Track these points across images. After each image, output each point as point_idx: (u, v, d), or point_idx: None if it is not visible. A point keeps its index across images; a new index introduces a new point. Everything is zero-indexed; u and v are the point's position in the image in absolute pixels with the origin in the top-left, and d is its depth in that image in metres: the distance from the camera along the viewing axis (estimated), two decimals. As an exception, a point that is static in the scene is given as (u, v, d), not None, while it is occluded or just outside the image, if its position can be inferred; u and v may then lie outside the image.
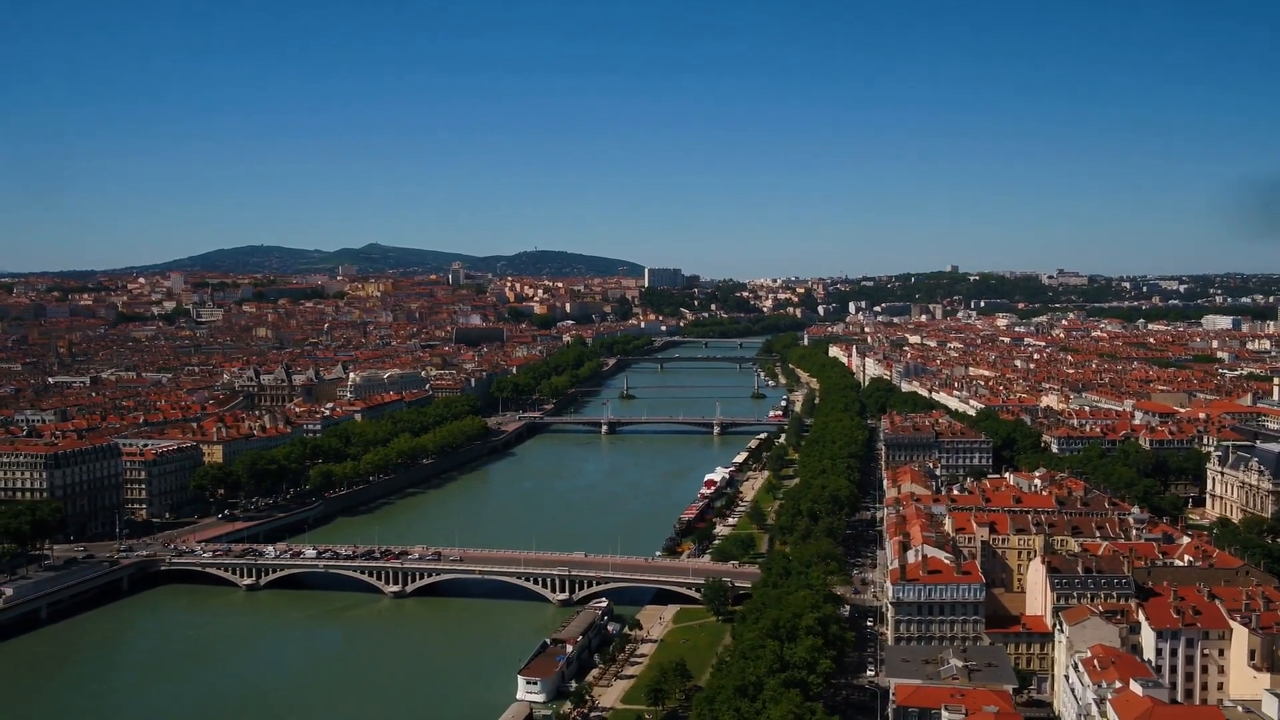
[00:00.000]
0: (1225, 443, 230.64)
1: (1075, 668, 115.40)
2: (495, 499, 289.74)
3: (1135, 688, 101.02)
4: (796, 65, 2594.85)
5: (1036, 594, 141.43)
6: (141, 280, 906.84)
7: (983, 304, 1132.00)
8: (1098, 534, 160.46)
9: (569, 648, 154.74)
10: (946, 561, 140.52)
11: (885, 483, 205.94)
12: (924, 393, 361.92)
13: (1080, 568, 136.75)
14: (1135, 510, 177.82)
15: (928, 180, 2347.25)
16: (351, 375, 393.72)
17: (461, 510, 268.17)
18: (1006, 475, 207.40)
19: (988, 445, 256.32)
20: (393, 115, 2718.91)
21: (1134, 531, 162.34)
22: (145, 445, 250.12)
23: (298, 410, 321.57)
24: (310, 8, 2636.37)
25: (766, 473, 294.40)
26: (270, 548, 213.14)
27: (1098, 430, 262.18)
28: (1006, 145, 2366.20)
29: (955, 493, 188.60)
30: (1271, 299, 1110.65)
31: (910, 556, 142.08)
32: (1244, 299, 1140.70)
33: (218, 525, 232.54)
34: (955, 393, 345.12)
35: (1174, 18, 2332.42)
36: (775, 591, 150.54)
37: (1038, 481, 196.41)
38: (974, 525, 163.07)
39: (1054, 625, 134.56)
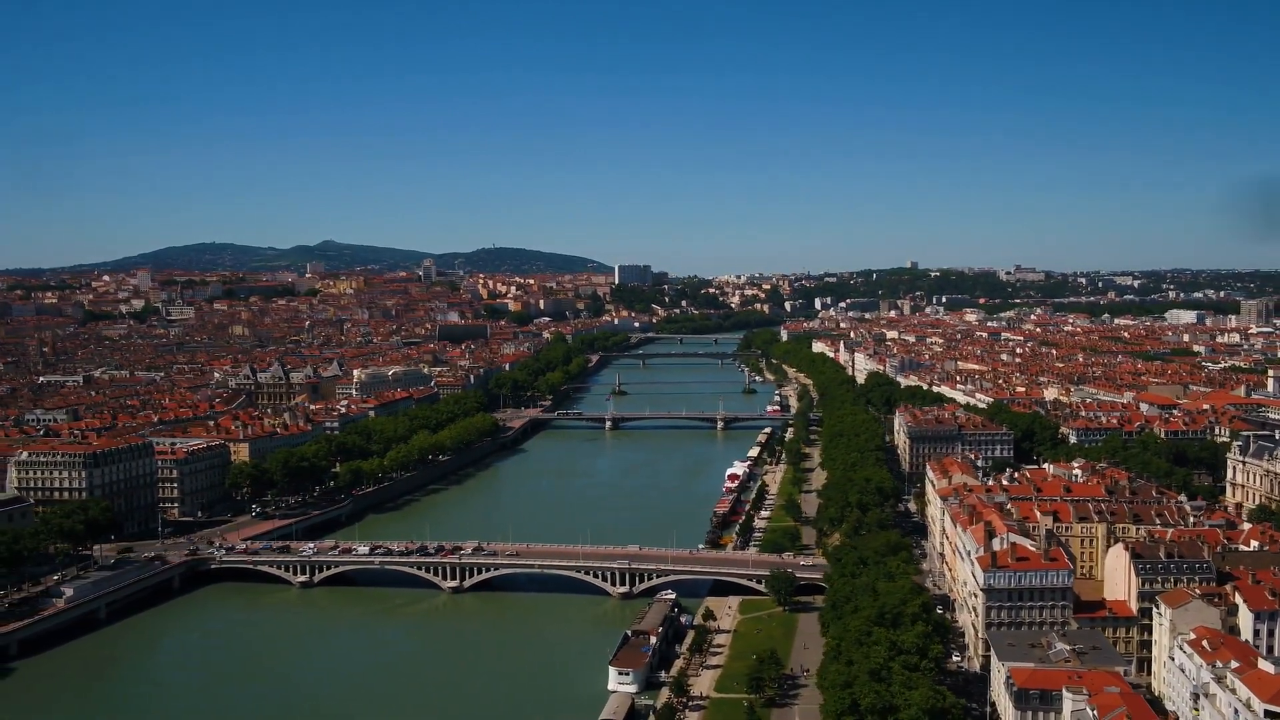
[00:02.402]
0: (1245, 433, 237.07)
1: (1182, 649, 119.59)
2: (520, 495, 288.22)
3: (1266, 666, 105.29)
4: (754, 64, 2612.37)
5: (1117, 579, 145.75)
6: (106, 278, 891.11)
7: (944, 299, 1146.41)
8: (1158, 521, 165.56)
9: (652, 639, 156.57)
10: (1032, 549, 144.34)
11: (932, 474, 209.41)
12: (924, 387, 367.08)
13: (1162, 553, 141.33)
14: (1182, 498, 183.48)
15: (886, 177, 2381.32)
16: (355, 373, 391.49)
17: (490, 506, 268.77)
18: (1046, 466, 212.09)
19: (1009, 437, 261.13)
20: (343, 113, 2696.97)
21: (1191, 518, 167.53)
22: (174, 444, 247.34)
23: (313, 408, 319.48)
24: (259, 10, 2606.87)
25: (784, 466, 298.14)
26: (308, 545, 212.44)
27: (1114, 422, 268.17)
28: (962, 143, 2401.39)
29: (1005, 483, 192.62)
30: (1223, 294, 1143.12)
31: (996, 544, 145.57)
32: (1195, 294, 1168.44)
33: (254, 523, 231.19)
34: (959, 386, 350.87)
35: (1131, 14, 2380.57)
36: (857, 581, 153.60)
37: (1078, 472, 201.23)
38: (1038, 514, 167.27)
39: (1139, 609, 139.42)
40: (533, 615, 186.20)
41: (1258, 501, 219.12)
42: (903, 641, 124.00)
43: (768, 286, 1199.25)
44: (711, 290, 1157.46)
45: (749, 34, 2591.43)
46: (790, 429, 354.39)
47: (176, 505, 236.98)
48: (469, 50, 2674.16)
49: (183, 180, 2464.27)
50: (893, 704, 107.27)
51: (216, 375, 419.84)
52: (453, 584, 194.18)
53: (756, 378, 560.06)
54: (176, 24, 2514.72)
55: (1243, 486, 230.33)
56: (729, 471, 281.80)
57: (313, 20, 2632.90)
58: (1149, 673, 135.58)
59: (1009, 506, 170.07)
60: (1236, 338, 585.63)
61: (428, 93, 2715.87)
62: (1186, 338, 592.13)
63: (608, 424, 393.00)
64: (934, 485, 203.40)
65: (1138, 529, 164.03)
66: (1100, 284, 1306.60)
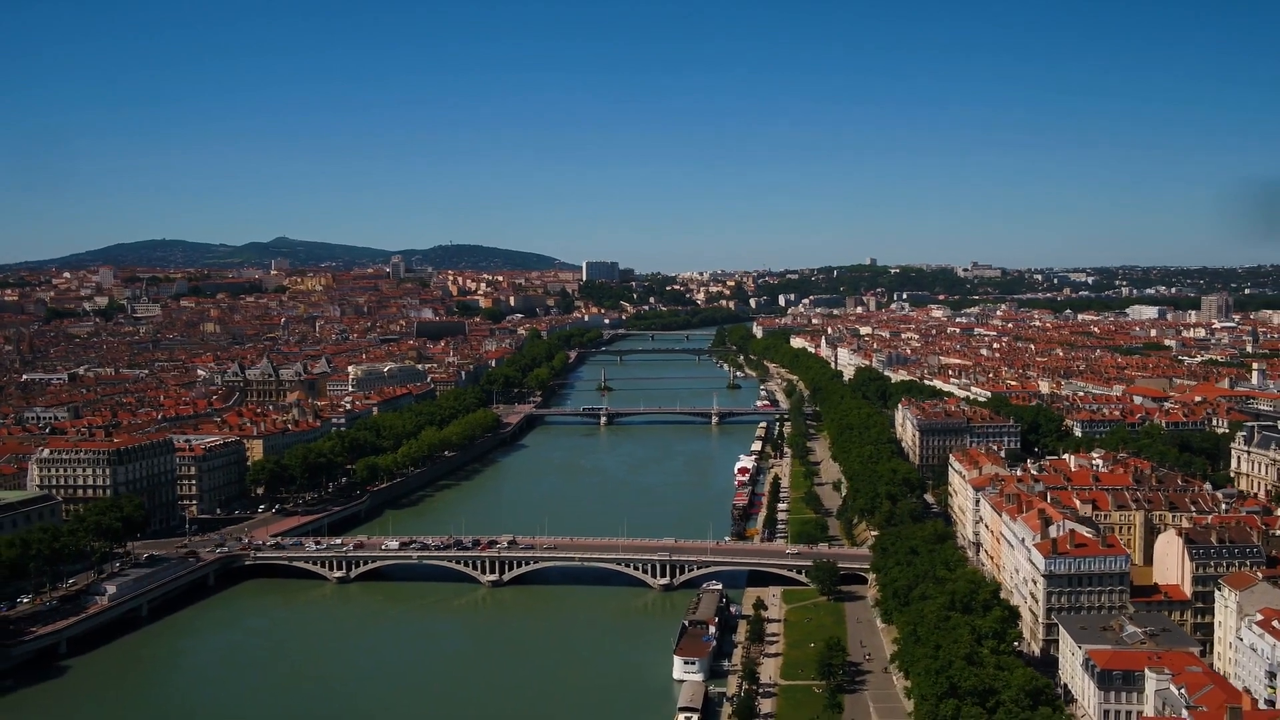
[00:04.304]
0: (1250, 424, 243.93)
1: (1251, 629, 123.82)
2: (533, 491, 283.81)
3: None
4: (712, 63, 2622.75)
5: (1169, 564, 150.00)
6: (67, 275, 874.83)
7: (905, 295, 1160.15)
8: (1193, 508, 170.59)
9: (711, 628, 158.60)
10: (1089, 535, 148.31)
11: (959, 465, 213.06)
12: (916, 381, 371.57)
13: (1213, 538, 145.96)
14: (1207, 486, 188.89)
15: (844, 174, 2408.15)
16: (351, 369, 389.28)
17: (507, 502, 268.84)
18: (1066, 457, 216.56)
19: (1016, 429, 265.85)
20: (293, 109, 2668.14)
21: (1223, 505, 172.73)
22: (189, 441, 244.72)
23: (319, 404, 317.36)
24: (208, 11, 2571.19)
25: (789, 460, 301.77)
26: (334, 540, 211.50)
27: (1116, 414, 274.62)
28: (919, 141, 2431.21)
29: (1035, 473, 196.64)
30: (1174, 289, 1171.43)
31: (1053, 531, 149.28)
32: (1148, 290, 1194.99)
33: (277, 520, 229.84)
34: (953, 380, 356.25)
35: (1085, 13, 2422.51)
36: (912, 570, 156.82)
37: (1099, 462, 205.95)
38: (1077, 502, 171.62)
39: (1193, 593, 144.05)
40: (577, 608, 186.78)
41: (1262, 489, 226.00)
42: (981, 627, 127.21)
43: (732, 283, 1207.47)
44: (677, 287, 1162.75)
45: (707, 34, 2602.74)
46: (786, 424, 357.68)
47: (195, 502, 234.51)
48: (422, 49, 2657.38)
49: (130, 177, 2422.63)
50: (992, 686, 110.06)
51: (201, 373, 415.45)
52: (492, 578, 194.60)
53: (737, 373, 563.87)
54: (125, 23, 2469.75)
55: (1247, 475, 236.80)
56: (738, 466, 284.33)
57: (262, 20, 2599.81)
58: (1207, 653, 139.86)
59: (1051, 496, 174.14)
60: (1202, 332, 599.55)
61: (381, 90, 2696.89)
62: (1154, 333, 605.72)
63: (603, 419, 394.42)
64: (962, 476, 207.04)
65: (1174, 516, 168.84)
66: (1056, 280, 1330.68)
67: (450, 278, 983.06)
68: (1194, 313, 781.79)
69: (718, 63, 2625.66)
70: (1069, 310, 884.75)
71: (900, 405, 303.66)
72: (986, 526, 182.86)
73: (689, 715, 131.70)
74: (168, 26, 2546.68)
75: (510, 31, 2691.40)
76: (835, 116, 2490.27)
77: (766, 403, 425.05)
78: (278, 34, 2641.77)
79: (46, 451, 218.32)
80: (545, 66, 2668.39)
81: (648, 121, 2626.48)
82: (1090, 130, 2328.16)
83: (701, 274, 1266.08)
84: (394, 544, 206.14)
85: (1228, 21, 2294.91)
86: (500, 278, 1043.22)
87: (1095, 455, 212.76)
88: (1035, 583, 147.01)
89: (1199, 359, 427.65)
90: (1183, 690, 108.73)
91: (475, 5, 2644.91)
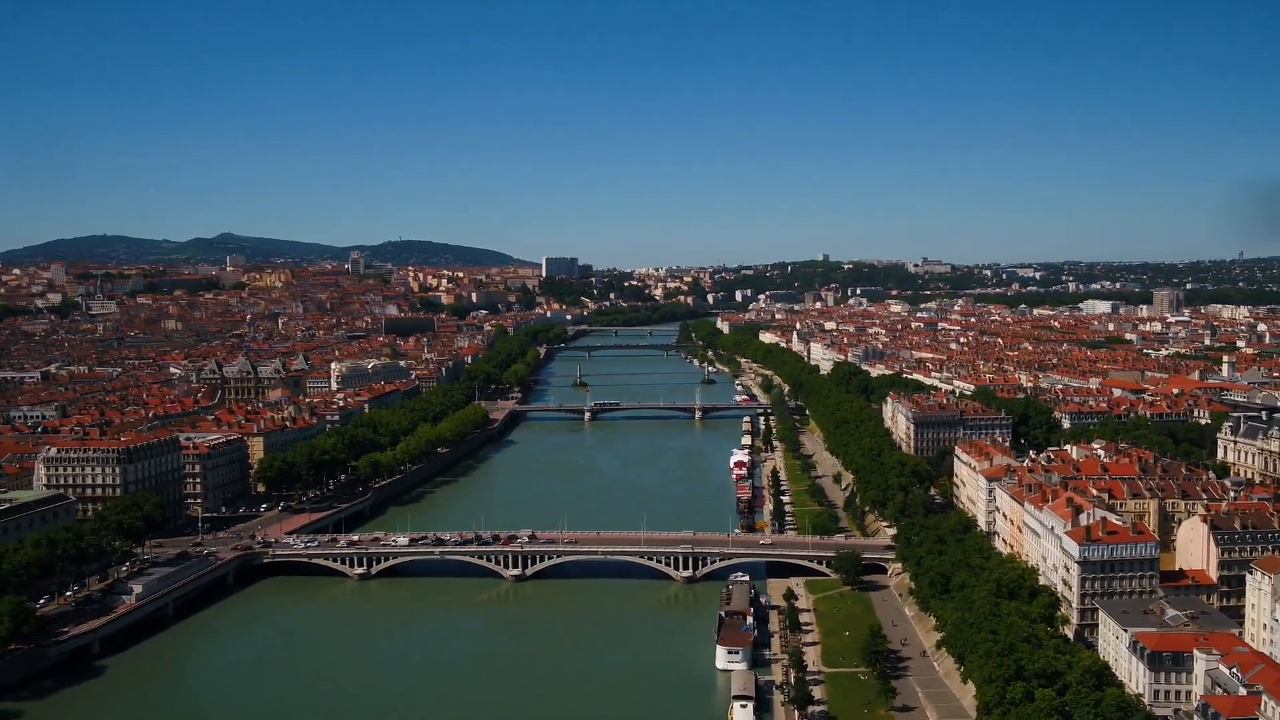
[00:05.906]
0: (1235, 414, 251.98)
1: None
2: (533, 487, 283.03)
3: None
4: (664, 59, 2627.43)
5: (1194, 550, 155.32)
6: (16, 271, 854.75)
7: (859, 290, 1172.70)
8: (1204, 496, 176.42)
9: (748, 618, 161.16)
10: (1119, 523, 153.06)
11: (967, 457, 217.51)
12: (897, 375, 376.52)
13: (1238, 524, 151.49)
14: (1211, 475, 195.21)
15: (796, 170, 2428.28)
16: (334, 365, 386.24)
17: (509, 498, 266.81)
18: (1068, 448, 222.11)
19: (1007, 422, 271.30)
20: (236, 103, 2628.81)
21: (1231, 494, 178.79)
22: (194, 439, 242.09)
23: (311, 401, 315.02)
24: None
25: (780, 454, 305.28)
26: (352, 537, 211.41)
27: (1102, 406, 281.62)
28: (869, 136, 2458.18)
29: (1044, 463, 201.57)
30: (1119, 284, 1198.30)
31: (1083, 519, 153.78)
32: (1093, 285, 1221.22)
33: (285, 517, 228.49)
34: (935, 374, 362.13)
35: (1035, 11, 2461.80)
36: (944, 559, 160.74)
37: (1101, 452, 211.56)
38: (1094, 491, 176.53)
39: (1219, 577, 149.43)
40: (603, 601, 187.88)
41: (1254, 478, 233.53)
42: (1030, 612, 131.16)
43: (689, 279, 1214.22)
44: (635, 283, 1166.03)
45: (661, 31, 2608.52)
46: (771, 418, 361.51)
47: (200, 501, 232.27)
48: (369, 46, 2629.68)
49: (68, 171, 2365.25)
50: (1055, 668, 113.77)
51: (175, 370, 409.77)
52: (515, 572, 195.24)
53: (709, 368, 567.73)
54: (71, 20, 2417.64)
55: (1235, 465, 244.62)
56: (733, 460, 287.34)
57: (207, 18, 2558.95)
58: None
59: (1070, 486, 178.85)
60: (1158, 327, 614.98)
61: (326, 87, 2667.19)
62: (1111, 327, 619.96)
63: (587, 415, 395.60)
64: (972, 468, 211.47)
65: (1187, 504, 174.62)
66: (1004, 275, 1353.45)
67: (411, 274, 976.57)
68: (1145, 307, 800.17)
69: (670, 61, 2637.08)
70: (1023, 305, 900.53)
71: (890, 399, 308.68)
72: (1005, 516, 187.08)
73: (745, 703, 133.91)
74: (111, 25, 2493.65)
75: (459, 28, 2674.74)
76: (787, 113, 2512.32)
77: (745, 398, 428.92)
78: (222, 32, 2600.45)
79: (53, 450, 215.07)
80: (499, 64, 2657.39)
81: (600, 118, 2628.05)
82: (1033, 127, 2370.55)
83: (658, 270, 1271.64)
84: (403, 540, 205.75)
85: (1179, 18, 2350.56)
86: (460, 274, 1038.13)
87: (1096, 446, 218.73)
88: (1069, 569, 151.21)
89: (1163, 352, 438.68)
90: (1235, 669, 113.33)
91: (413, 2, 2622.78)
